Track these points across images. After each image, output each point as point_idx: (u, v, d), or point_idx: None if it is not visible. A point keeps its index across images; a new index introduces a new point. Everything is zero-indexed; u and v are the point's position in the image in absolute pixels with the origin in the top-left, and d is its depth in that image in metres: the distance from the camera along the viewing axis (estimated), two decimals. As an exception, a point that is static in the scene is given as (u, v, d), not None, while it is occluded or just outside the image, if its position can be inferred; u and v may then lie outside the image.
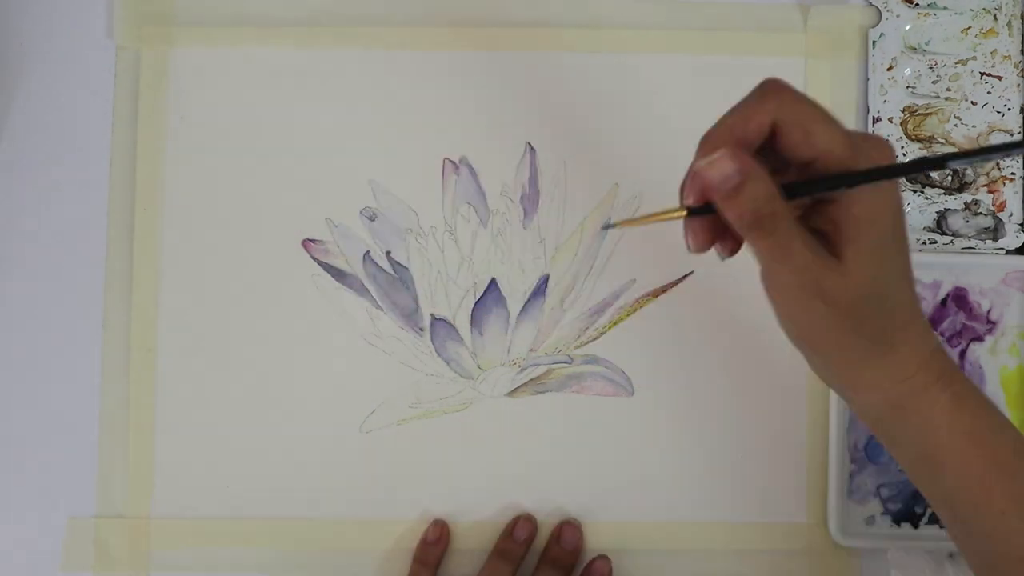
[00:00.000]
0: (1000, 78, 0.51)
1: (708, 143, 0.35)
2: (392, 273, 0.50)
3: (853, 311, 0.34)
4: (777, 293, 0.35)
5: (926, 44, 0.51)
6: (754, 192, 0.33)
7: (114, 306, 0.50)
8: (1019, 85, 0.51)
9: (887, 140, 0.36)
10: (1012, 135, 0.50)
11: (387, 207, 0.51)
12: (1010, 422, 0.37)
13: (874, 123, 0.51)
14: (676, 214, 0.34)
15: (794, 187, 0.33)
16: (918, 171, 0.33)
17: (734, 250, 0.36)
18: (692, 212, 0.34)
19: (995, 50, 0.51)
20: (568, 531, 0.49)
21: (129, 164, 0.51)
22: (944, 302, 0.50)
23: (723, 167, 0.33)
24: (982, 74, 0.51)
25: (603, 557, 0.49)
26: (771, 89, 0.35)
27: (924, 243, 0.50)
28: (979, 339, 0.50)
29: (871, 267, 0.34)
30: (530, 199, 0.51)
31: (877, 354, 0.35)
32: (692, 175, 0.34)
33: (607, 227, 0.45)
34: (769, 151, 0.34)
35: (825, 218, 0.34)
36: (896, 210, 0.34)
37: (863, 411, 0.37)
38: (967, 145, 0.51)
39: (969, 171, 0.51)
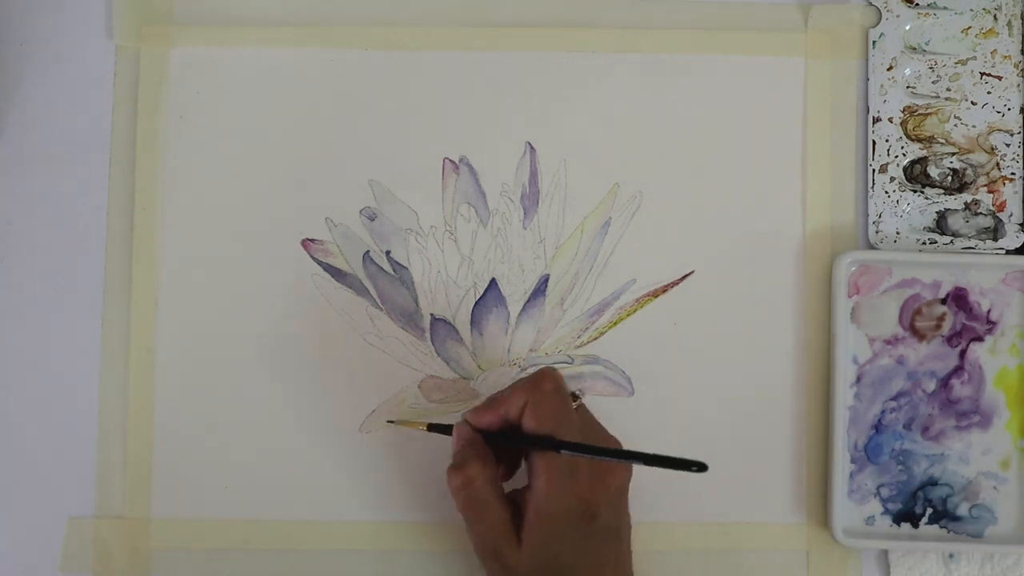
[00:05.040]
0: (1000, 78, 0.51)
1: (482, 407, 0.44)
2: (392, 273, 0.50)
3: None
4: (475, 544, 0.44)
5: (926, 44, 0.51)
6: (474, 471, 0.42)
7: (113, 306, 0.50)
8: (1019, 85, 0.51)
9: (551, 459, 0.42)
10: (1012, 135, 0.50)
11: (387, 207, 0.51)
12: None
13: (874, 123, 0.51)
14: (420, 427, 0.46)
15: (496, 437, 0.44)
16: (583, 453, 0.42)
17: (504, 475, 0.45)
18: (431, 428, 0.46)
19: (995, 50, 0.51)
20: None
21: (129, 164, 0.51)
22: (944, 302, 0.50)
23: (461, 432, 0.44)
24: (982, 74, 0.51)
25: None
26: (536, 378, 0.44)
27: (924, 243, 0.50)
28: (979, 339, 0.50)
29: (538, 550, 0.42)
30: (530, 199, 0.51)
31: None
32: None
33: (391, 422, 0.49)
34: None
35: (523, 496, 0.43)
36: (565, 511, 0.42)
37: None
38: (967, 145, 0.51)
39: (969, 171, 0.51)
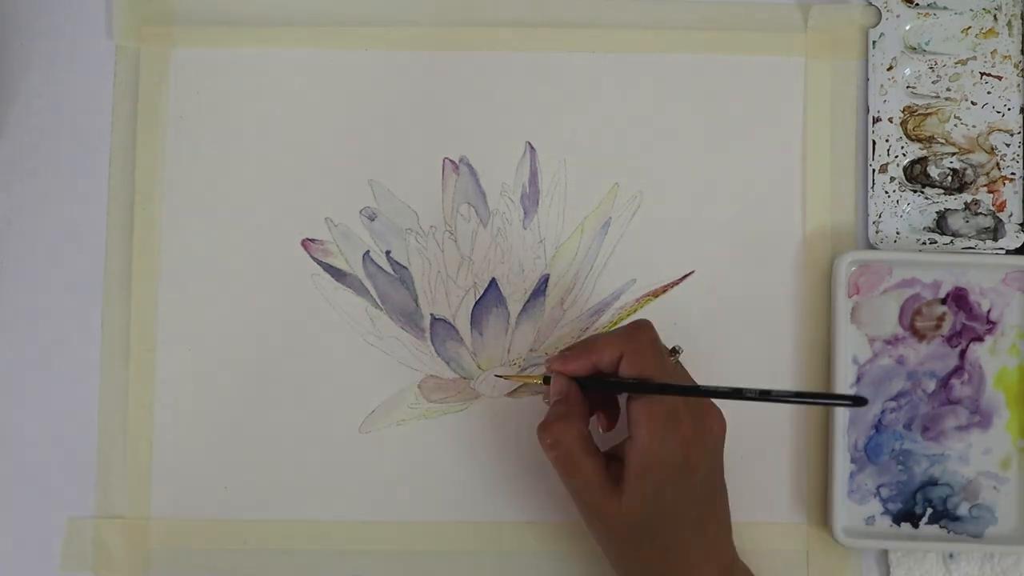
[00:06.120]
0: (1000, 78, 0.51)
1: (570, 353, 0.43)
2: (392, 273, 0.50)
3: (629, 535, 0.42)
4: (573, 500, 0.43)
5: (926, 44, 0.51)
6: (559, 431, 0.42)
7: (113, 306, 0.50)
8: (1019, 85, 0.51)
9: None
10: (1012, 135, 0.50)
11: (387, 207, 0.51)
12: None
13: (874, 123, 0.51)
14: (536, 380, 0.46)
15: (588, 381, 0.43)
16: (695, 394, 0.42)
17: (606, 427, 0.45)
18: (545, 381, 0.45)
19: (995, 50, 0.51)
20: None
21: (128, 164, 0.51)
22: (944, 302, 0.50)
23: (556, 386, 0.43)
24: (982, 74, 0.51)
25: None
26: (633, 329, 0.43)
27: (924, 243, 0.50)
28: (979, 339, 0.50)
29: (641, 502, 0.41)
30: (530, 199, 0.51)
31: (662, 572, 0.42)
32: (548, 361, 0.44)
33: (499, 375, 0.49)
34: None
35: (623, 450, 0.42)
36: (665, 462, 0.40)
37: None
38: (967, 145, 0.51)
39: (969, 171, 0.51)
